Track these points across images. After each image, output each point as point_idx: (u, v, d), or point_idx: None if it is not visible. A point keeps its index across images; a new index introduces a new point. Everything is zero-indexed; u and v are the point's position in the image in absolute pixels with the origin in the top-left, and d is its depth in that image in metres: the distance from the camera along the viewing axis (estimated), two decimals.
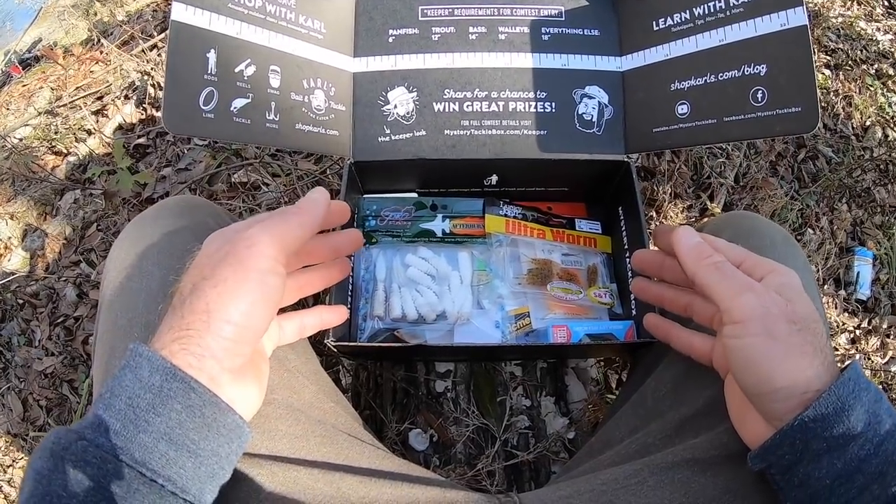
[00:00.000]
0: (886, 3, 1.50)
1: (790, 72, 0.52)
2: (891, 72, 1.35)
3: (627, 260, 0.65)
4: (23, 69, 1.45)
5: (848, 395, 0.33)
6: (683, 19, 0.58)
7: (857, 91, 1.30)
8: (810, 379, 0.34)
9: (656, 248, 0.48)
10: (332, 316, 0.51)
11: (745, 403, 0.39)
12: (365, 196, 0.71)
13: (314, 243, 0.46)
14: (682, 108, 0.59)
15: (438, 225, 0.68)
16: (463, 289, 0.65)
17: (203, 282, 0.35)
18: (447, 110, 0.63)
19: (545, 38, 0.63)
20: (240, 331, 0.35)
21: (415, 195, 0.71)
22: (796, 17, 0.52)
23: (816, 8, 1.41)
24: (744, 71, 0.55)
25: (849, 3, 1.47)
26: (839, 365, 0.36)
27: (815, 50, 1.34)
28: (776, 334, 0.35)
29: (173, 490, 0.31)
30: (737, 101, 0.55)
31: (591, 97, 0.63)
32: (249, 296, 0.35)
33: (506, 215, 0.70)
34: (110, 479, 0.30)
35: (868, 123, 1.26)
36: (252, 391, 0.38)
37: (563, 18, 0.64)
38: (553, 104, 0.63)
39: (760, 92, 0.54)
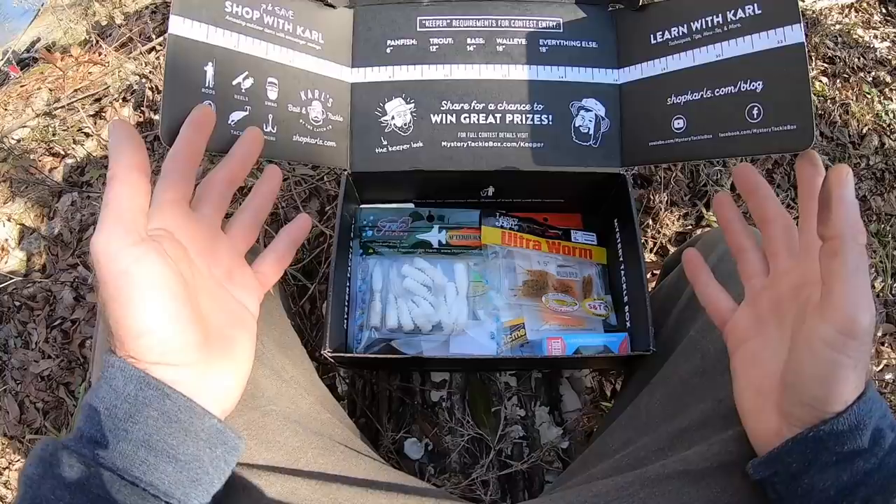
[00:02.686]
0: (884, 11, 1.50)
1: (786, 89, 0.53)
2: (888, 79, 1.35)
3: (622, 271, 0.65)
4: (21, 69, 1.45)
5: (865, 413, 0.33)
6: (681, 33, 0.59)
7: (854, 98, 1.30)
8: (850, 393, 0.33)
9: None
10: (298, 231, 0.49)
11: (761, 395, 0.37)
12: (362, 206, 0.71)
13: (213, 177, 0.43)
14: (679, 123, 0.59)
15: (435, 236, 0.68)
16: (459, 300, 0.65)
17: (102, 306, 0.33)
18: (444, 122, 0.63)
19: (543, 50, 0.64)
20: (149, 339, 0.33)
21: (411, 206, 0.71)
22: (793, 35, 0.52)
23: (814, 16, 1.41)
24: (740, 87, 0.55)
25: (846, 10, 1.47)
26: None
27: (813, 57, 1.34)
28: (859, 356, 0.32)
29: (156, 493, 0.32)
30: (733, 117, 0.55)
31: (588, 110, 0.63)
32: (128, 308, 0.32)
33: (502, 227, 0.70)
34: (95, 484, 0.31)
35: (864, 131, 1.27)
36: (226, 375, 0.37)
37: (562, 30, 0.64)
38: (550, 116, 0.63)
39: (756, 108, 0.54)
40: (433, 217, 0.70)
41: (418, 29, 0.64)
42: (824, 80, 1.32)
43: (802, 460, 0.34)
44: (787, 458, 0.34)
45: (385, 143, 0.63)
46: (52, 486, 0.30)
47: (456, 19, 0.63)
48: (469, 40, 0.63)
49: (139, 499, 0.31)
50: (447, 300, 0.65)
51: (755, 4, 0.54)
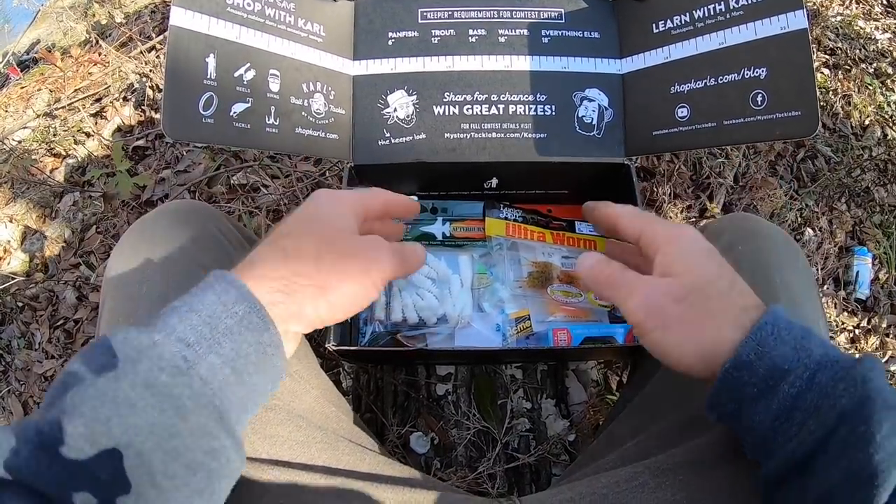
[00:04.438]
0: (885, 2, 1.50)
1: (790, 75, 0.52)
2: (889, 70, 1.35)
3: None
4: (21, 71, 1.45)
5: (766, 337, 0.35)
6: (683, 22, 0.58)
7: (856, 90, 1.30)
8: (720, 341, 0.36)
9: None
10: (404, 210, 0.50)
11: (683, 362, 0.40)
12: None
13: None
14: (682, 112, 0.59)
15: (439, 228, 0.68)
16: (463, 292, 0.65)
17: (326, 259, 0.38)
18: (447, 113, 0.63)
19: (545, 40, 0.63)
20: (332, 314, 0.38)
21: (415, 198, 0.71)
22: (796, 21, 0.52)
23: (815, 7, 1.41)
24: (744, 74, 0.55)
25: (847, 1, 1.47)
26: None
27: (815, 49, 1.34)
28: (668, 323, 0.37)
29: (219, 414, 0.32)
30: (737, 105, 0.55)
31: (590, 100, 0.63)
32: (359, 298, 0.39)
33: (506, 218, 0.70)
34: (178, 385, 0.30)
35: (867, 122, 1.26)
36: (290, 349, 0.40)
37: (563, 21, 0.63)
38: (553, 107, 0.63)
39: (760, 95, 0.54)
40: (437, 209, 0.70)
41: (420, 20, 0.63)
42: (826, 71, 1.31)
43: (732, 398, 0.36)
44: (718, 401, 0.37)
45: (388, 135, 0.63)
46: (131, 384, 0.29)
47: (457, 10, 0.63)
48: (471, 31, 0.63)
49: (205, 415, 0.31)
50: (452, 293, 0.64)
51: None
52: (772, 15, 0.53)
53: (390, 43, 0.64)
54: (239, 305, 0.34)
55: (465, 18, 0.63)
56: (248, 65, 0.55)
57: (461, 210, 0.71)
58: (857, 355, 0.35)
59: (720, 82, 0.57)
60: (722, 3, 0.56)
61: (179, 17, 0.51)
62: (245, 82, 0.55)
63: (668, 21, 0.59)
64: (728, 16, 0.56)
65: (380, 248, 0.41)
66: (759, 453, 0.36)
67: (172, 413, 0.30)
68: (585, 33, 0.63)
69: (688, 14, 0.58)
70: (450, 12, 0.64)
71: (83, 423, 0.28)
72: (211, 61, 0.52)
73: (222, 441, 0.32)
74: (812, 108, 0.51)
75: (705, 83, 0.58)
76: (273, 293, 0.36)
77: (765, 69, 0.54)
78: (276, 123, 0.57)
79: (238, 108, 0.54)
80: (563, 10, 0.63)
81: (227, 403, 0.33)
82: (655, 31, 0.60)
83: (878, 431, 0.30)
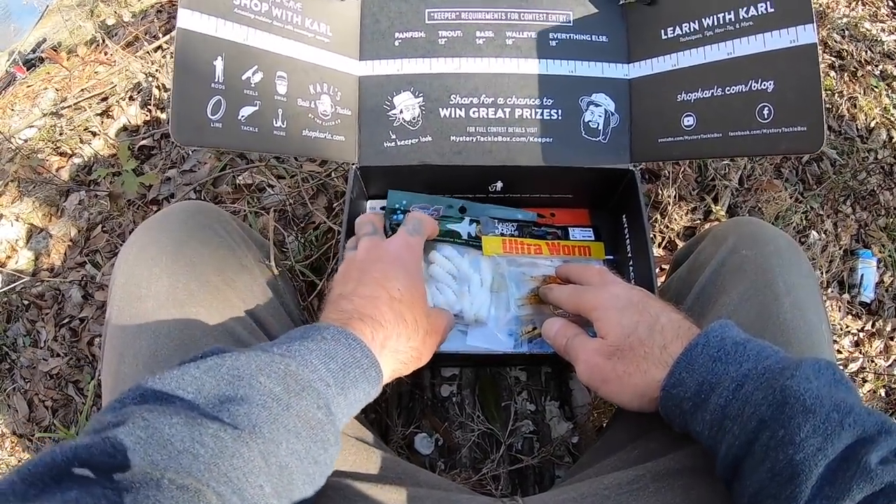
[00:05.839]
0: (891, 4, 1.50)
1: (797, 90, 0.52)
2: None
3: (631, 268, 0.65)
4: (27, 70, 1.45)
5: (696, 357, 0.40)
6: (692, 29, 0.58)
7: (862, 92, 1.29)
8: (649, 382, 0.42)
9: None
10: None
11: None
12: (392, 190, 0.68)
13: None
14: (689, 120, 0.58)
15: (465, 227, 0.66)
16: (482, 292, 0.64)
17: (427, 338, 0.49)
18: (453, 116, 0.63)
19: (553, 43, 0.63)
20: (409, 370, 0.48)
21: (447, 198, 0.69)
22: (806, 35, 0.52)
23: (821, 9, 1.40)
24: (751, 86, 0.55)
25: (853, 3, 1.46)
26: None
27: (820, 51, 1.33)
28: (606, 378, 0.45)
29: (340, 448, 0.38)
30: (743, 116, 0.55)
31: (597, 105, 0.63)
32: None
33: (501, 234, 0.69)
34: (327, 426, 0.36)
35: (873, 125, 1.26)
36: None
37: (572, 24, 0.63)
38: (559, 111, 0.63)
39: (767, 108, 0.54)
40: (465, 209, 0.68)
41: (427, 21, 0.63)
42: (832, 73, 1.31)
43: (675, 415, 0.41)
44: (668, 416, 0.42)
45: (393, 137, 0.63)
46: (297, 415, 0.35)
47: (465, 12, 0.63)
48: (478, 33, 0.63)
49: (336, 450, 0.37)
50: (471, 291, 0.64)
51: (768, 3, 0.54)
52: (781, 28, 0.53)
53: (397, 43, 0.64)
54: (364, 359, 0.40)
55: (473, 20, 0.63)
56: (256, 67, 0.55)
57: (490, 213, 0.69)
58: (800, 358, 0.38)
59: (727, 93, 0.56)
60: (731, 12, 0.56)
61: (187, 20, 0.51)
62: (253, 85, 0.55)
63: (678, 28, 0.59)
64: (737, 26, 0.56)
65: (449, 323, 0.54)
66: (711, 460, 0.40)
67: (319, 446, 0.35)
68: (593, 37, 0.63)
69: (697, 22, 0.58)
70: (457, 13, 0.63)
71: (263, 441, 0.32)
72: (219, 64, 0.52)
73: (332, 468, 0.38)
74: (818, 124, 0.51)
75: (712, 93, 0.57)
76: (387, 356, 0.44)
77: (772, 82, 0.54)
78: (284, 126, 0.57)
79: (246, 111, 0.54)
80: (571, 14, 0.63)
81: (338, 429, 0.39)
82: (664, 37, 0.60)
83: (797, 434, 0.33)
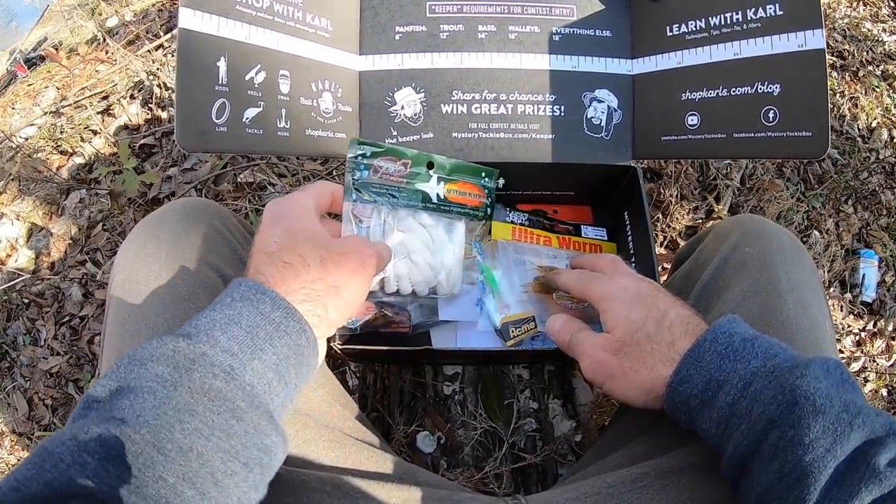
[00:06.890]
0: (892, 4, 1.50)
1: (804, 94, 0.52)
2: None
3: (633, 264, 0.65)
4: (28, 68, 1.45)
5: (703, 354, 0.39)
6: (698, 27, 0.58)
7: (864, 92, 1.29)
8: (655, 378, 0.41)
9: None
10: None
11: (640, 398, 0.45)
12: (355, 139, 0.58)
13: None
14: (692, 120, 0.58)
15: (433, 188, 0.61)
16: (456, 264, 0.62)
17: (329, 263, 0.42)
18: (455, 112, 0.63)
19: (556, 38, 0.63)
20: (348, 311, 0.43)
21: (416, 152, 0.65)
22: (814, 40, 0.51)
23: (823, 8, 1.40)
24: (757, 88, 0.54)
25: (855, 3, 1.46)
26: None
27: None
28: (612, 374, 0.44)
29: (269, 413, 0.35)
30: (748, 119, 0.55)
31: (600, 101, 0.63)
32: (363, 291, 0.44)
33: (512, 222, 0.69)
34: (230, 394, 0.33)
35: (874, 125, 1.26)
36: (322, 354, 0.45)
37: (575, 18, 0.63)
38: (562, 107, 0.63)
39: (773, 112, 0.53)
40: (432, 165, 0.64)
41: (428, 15, 0.63)
42: (833, 73, 1.31)
43: (681, 412, 0.40)
44: (673, 414, 0.42)
45: (395, 133, 0.63)
46: (189, 390, 0.32)
47: (467, 5, 0.63)
48: (480, 27, 0.63)
49: (258, 415, 0.34)
50: (444, 263, 0.61)
51: (777, 5, 0.53)
52: (790, 31, 0.53)
53: (397, 38, 0.63)
54: (276, 312, 0.37)
55: (475, 13, 0.63)
56: (259, 66, 0.54)
57: (459, 169, 0.66)
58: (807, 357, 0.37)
59: (732, 94, 0.56)
60: (739, 13, 0.55)
61: (188, 19, 0.50)
62: (256, 85, 0.54)
63: (683, 25, 0.59)
64: (745, 27, 0.55)
65: (363, 243, 0.46)
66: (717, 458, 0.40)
67: (228, 415, 0.32)
68: (597, 32, 0.63)
69: (703, 20, 0.57)
70: (459, 7, 0.63)
71: (148, 431, 0.30)
72: (222, 65, 0.52)
73: (273, 438, 0.34)
74: (823, 130, 0.50)
75: (717, 93, 0.57)
76: (299, 303, 0.39)
77: (778, 85, 0.53)
78: (287, 126, 0.56)
79: (250, 113, 0.53)
80: (574, 7, 0.63)
81: (272, 403, 0.36)
82: (669, 34, 0.60)
83: (806, 435, 0.33)
